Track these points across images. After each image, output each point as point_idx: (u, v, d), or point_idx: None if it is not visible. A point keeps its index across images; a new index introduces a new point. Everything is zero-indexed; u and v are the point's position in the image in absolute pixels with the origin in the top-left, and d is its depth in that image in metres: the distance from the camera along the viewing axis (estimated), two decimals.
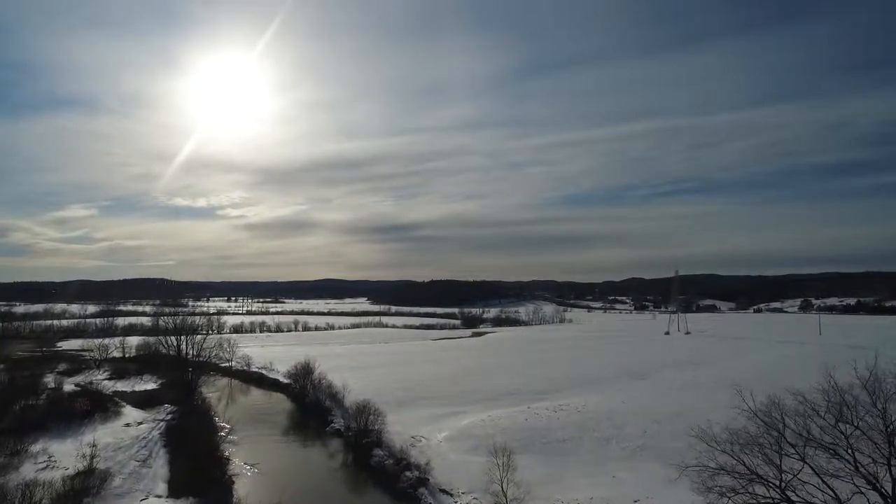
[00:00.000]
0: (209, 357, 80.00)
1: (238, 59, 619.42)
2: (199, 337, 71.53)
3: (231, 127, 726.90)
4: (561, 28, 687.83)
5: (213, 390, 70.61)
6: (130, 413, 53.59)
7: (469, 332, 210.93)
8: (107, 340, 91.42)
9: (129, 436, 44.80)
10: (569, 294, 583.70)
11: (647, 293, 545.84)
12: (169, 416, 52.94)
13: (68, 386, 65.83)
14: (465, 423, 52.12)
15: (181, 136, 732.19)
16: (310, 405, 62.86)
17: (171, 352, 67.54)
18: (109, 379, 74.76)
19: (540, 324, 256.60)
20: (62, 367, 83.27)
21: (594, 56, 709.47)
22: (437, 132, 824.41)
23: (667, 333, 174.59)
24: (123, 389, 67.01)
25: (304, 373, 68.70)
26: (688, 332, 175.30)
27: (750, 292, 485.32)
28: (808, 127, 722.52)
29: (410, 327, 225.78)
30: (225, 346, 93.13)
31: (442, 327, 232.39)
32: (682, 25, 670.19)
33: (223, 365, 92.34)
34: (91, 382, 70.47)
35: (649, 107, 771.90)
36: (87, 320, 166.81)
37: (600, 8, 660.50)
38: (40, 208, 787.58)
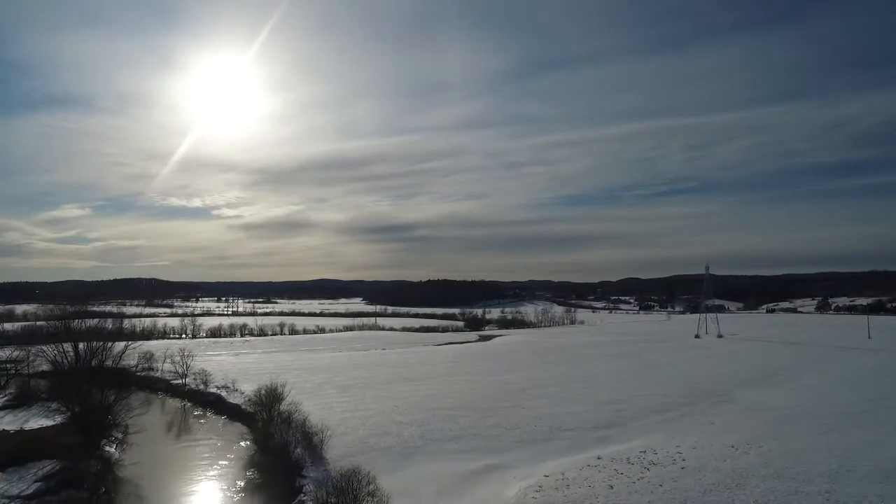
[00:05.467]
0: (158, 371, 60.26)
1: (234, 58, 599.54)
2: (119, 346, 50.45)
3: (227, 126, 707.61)
4: (561, 27, 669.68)
5: (140, 427, 49.92)
6: None
7: (475, 335, 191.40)
8: (15, 352, 70.76)
9: None
10: (570, 294, 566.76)
11: (645, 293, 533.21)
12: (35, 486, 32.67)
13: None
14: (514, 495, 32.35)
15: (177, 136, 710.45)
16: (275, 451, 42.88)
17: (67, 366, 46.65)
18: (4, 408, 54.47)
19: (549, 326, 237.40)
20: None
21: (594, 56, 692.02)
22: (436, 132, 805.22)
23: (697, 337, 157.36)
24: (8, 428, 46.56)
25: (269, 400, 48.69)
26: (720, 336, 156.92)
27: (751, 292, 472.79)
28: (808, 127, 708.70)
29: (409, 330, 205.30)
30: (176, 357, 73.25)
31: (444, 330, 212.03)
32: (683, 25, 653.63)
33: (175, 382, 72.40)
34: None
35: (649, 107, 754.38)
36: (38, 323, 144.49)
37: (600, 7, 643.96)
38: (34, 208, 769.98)
